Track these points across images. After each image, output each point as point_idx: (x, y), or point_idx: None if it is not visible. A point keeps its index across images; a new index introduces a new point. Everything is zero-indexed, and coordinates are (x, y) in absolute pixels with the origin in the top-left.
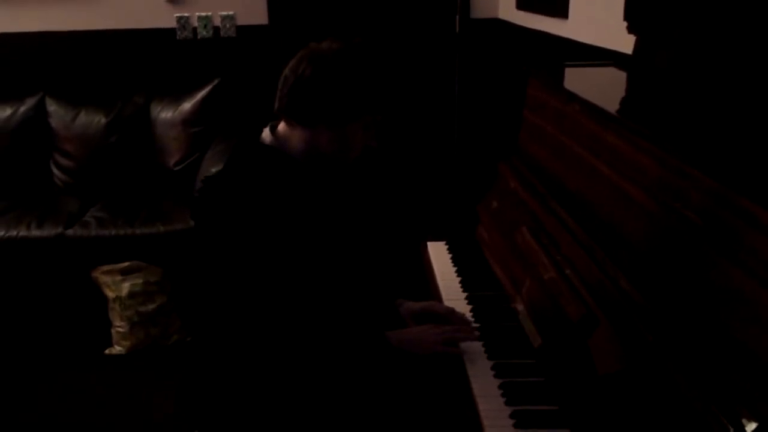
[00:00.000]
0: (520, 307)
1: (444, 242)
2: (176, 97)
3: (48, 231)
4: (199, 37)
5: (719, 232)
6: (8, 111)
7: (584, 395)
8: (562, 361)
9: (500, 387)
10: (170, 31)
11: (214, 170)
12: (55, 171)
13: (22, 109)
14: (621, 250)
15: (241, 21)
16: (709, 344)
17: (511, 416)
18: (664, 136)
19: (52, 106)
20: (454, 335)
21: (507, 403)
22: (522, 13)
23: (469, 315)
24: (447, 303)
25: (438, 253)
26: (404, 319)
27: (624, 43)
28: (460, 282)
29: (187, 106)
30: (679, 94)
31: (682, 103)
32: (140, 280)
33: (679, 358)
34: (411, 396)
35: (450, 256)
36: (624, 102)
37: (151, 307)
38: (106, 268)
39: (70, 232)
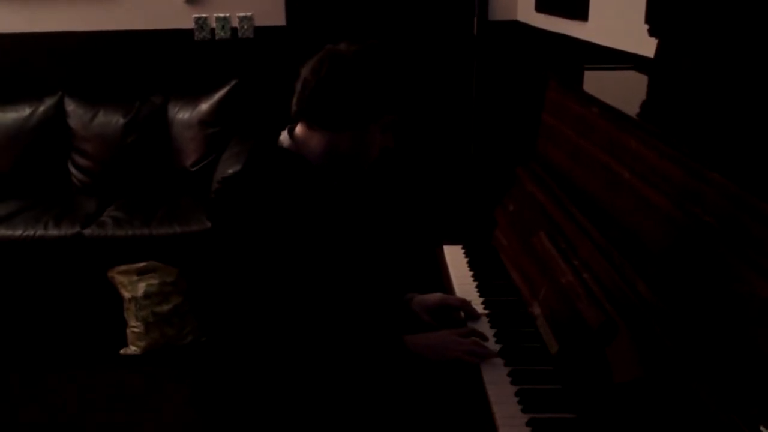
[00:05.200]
0: (537, 312)
1: (461, 246)
2: (194, 97)
3: (65, 230)
4: (216, 38)
5: (740, 238)
6: (27, 110)
7: (602, 403)
8: (579, 368)
9: (517, 394)
10: (188, 32)
11: (230, 171)
12: (73, 171)
13: (41, 108)
14: (640, 255)
15: (259, 22)
16: (729, 352)
17: (528, 424)
18: (684, 140)
19: (70, 106)
20: (476, 349)
21: (524, 411)
22: (541, 16)
23: (485, 320)
24: None
25: (454, 257)
26: (415, 314)
27: (645, 46)
28: (477, 287)
29: (204, 106)
30: (701, 98)
31: (703, 107)
32: (156, 281)
33: (699, 366)
34: (425, 401)
35: (466, 260)
36: (645, 106)
37: (166, 307)
38: (122, 268)
39: (87, 231)
